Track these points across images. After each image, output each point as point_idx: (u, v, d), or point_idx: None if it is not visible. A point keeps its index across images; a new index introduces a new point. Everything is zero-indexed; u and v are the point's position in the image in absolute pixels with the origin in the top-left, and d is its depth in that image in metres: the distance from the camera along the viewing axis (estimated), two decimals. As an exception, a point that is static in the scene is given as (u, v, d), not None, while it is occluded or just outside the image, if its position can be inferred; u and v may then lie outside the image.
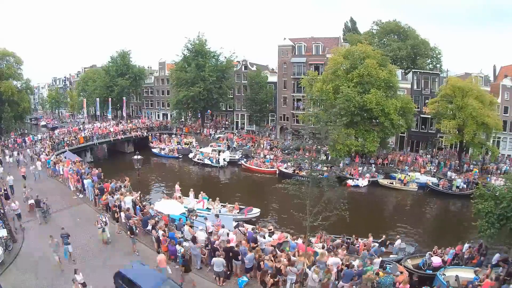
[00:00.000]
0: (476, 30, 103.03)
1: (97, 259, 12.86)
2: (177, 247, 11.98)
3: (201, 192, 20.82)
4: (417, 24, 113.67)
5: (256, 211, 20.65)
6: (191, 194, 20.25)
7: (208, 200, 20.24)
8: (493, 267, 12.44)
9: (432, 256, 13.93)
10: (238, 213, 19.93)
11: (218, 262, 10.86)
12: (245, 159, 35.43)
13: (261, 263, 11.16)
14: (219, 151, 36.14)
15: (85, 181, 19.15)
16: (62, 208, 17.75)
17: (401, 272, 11.84)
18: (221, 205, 20.13)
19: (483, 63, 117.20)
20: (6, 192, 18.37)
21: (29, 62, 72.24)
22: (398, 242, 15.41)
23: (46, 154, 27.21)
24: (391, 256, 14.81)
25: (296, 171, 29.75)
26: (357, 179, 29.20)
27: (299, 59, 40.92)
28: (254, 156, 36.06)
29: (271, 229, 15.04)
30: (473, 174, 28.98)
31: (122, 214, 14.94)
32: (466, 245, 14.91)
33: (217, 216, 16.12)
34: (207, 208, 19.55)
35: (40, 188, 20.02)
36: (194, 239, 12.20)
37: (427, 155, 34.41)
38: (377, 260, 12.41)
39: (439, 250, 14.50)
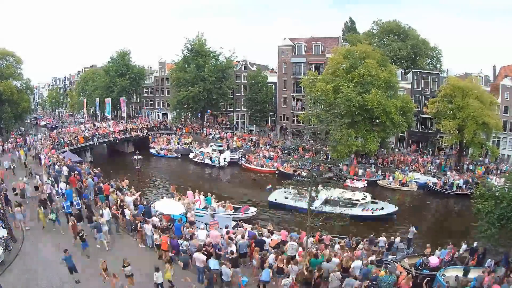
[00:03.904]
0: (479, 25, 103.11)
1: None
2: (179, 241, 12.08)
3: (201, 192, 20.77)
4: (416, 21, 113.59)
5: (252, 210, 20.65)
6: (197, 195, 20.18)
7: (209, 200, 20.11)
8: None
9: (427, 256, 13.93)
10: (234, 212, 19.91)
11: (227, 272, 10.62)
12: (244, 159, 35.44)
13: (266, 261, 11.18)
14: (220, 151, 36.15)
15: (86, 181, 19.11)
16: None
17: (401, 272, 11.84)
18: (220, 204, 20.08)
19: (483, 63, 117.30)
20: (6, 193, 18.27)
21: (29, 62, 72.44)
22: (397, 240, 15.41)
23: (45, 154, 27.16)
24: (389, 256, 14.80)
25: (296, 171, 29.73)
26: (358, 180, 29.15)
27: (299, 59, 40.92)
28: (252, 154, 36.00)
29: (270, 229, 15.02)
30: (480, 173, 29.21)
31: (127, 211, 14.96)
32: (464, 246, 14.90)
33: (212, 216, 16.10)
34: (204, 207, 19.53)
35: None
36: (191, 237, 12.28)
37: (427, 155, 34.38)
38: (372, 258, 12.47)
39: (436, 251, 14.42)
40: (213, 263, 10.93)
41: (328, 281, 10.37)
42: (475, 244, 14.66)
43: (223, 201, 20.34)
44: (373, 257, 12.65)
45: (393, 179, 29.12)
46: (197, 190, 20.74)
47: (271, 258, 11.07)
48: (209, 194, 20.37)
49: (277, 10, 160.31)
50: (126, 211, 15.11)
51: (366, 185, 28.80)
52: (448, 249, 14.15)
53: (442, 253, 13.95)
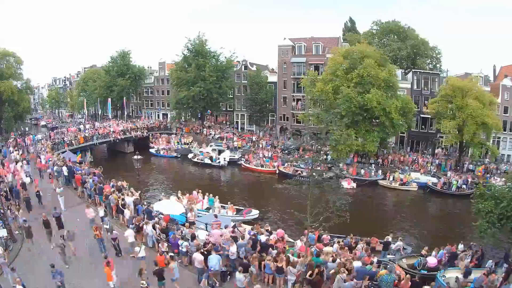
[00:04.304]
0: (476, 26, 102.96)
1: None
2: (180, 241, 12.07)
3: (206, 193, 20.75)
4: (416, 21, 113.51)
5: (255, 213, 20.37)
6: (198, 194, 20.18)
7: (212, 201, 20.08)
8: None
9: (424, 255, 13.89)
10: (236, 214, 19.82)
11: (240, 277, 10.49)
12: (244, 159, 35.43)
13: (262, 263, 11.17)
14: (219, 151, 36.16)
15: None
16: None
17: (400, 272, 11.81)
18: (221, 206, 20.05)
19: (483, 63, 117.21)
20: (6, 192, 18.29)
21: (29, 62, 72.46)
22: (399, 243, 15.34)
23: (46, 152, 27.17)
24: (388, 256, 14.77)
25: (298, 171, 29.71)
26: (350, 180, 28.76)
27: (299, 59, 40.91)
28: (252, 154, 36.03)
29: (268, 229, 14.99)
30: (481, 173, 29.11)
31: (127, 212, 14.95)
32: (461, 246, 14.86)
33: (215, 216, 16.09)
34: (207, 208, 19.52)
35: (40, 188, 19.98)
36: (193, 237, 12.27)
37: (427, 156, 34.36)
38: (374, 260, 12.41)
39: (434, 252, 14.38)
40: (214, 261, 10.85)
41: (328, 280, 10.37)
42: (475, 244, 14.67)
43: (225, 204, 20.30)
44: (375, 260, 12.60)
45: (393, 179, 29.08)
46: (200, 191, 20.70)
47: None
48: (211, 195, 20.35)
49: (277, 10, 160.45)
50: (126, 211, 15.10)
51: (354, 186, 28.28)
52: (446, 249, 14.12)
53: (440, 254, 13.91)
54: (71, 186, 20.80)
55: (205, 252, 11.46)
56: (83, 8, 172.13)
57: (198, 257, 11.06)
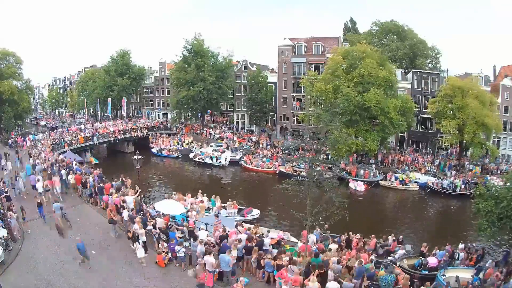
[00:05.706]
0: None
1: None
2: (177, 247, 11.98)
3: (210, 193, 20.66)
4: (416, 21, 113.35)
5: (256, 212, 20.38)
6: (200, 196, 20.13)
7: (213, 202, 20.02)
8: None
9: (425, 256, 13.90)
10: (237, 213, 19.81)
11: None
12: (243, 160, 35.40)
13: (261, 261, 11.16)
14: (221, 151, 36.19)
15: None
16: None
17: (399, 272, 11.80)
18: (222, 205, 20.02)
19: (483, 63, 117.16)
20: (7, 192, 18.26)
21: (29, 62, 72.10)
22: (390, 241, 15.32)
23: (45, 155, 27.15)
24: (388, 257, 14.74)
25: (296, 171, 29.71)
26: (358, 184, 28.51)
27: (299, 59, 40.94)
28: (251, 155, 36.00)
29: (268, 230, 14.97)
30: (473, 174, 28.91)
31: (125, 213, 14.91)
32: (461, 245, 14.89)
33: (216, 216, 16.08)
34: (207, 208, 19.49)
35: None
36: (195, 237, 12.21)
37: (428, 155, 34.34)
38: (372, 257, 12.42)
39: (434, 251, 14.39)
40: (224, 261, 10.79)
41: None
42: (474, 244, 14.68)
43: (228, 202, 20.27)
44: (373, 257, 12.63)
45: (395, 179, 28.95)
46: (200, 191, 20.65)
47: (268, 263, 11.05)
48: (213, 196, 20.26)
49: (277, 10, 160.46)
50: (124, 212, 15.02)
51: (364, 188, 28.11)
52: (446, 250, 14.12)
53: (440, 254, 13.91)
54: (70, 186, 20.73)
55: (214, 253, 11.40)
56: (83, 8, 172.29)
57: (210, 259, 10.78)
